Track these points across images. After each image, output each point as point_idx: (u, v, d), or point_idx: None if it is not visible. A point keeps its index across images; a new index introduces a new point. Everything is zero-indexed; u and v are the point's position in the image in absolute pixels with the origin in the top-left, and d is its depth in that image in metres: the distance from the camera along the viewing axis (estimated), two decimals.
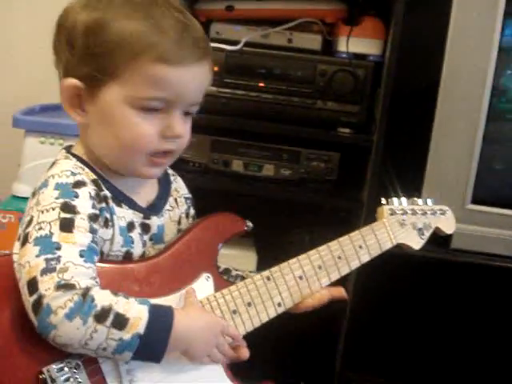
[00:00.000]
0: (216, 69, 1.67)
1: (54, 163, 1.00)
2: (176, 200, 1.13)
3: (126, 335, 0.88)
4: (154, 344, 0.91)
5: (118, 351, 0.89)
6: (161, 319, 0.93)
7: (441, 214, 1.27)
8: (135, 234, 1.02)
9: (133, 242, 1.01)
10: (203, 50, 0.99)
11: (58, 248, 0.89)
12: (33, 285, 0.87)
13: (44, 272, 0.87)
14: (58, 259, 0.88)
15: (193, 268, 1.05)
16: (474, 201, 1.63)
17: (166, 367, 0.97)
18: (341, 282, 1.82)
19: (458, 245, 1.65)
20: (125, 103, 0.96)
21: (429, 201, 1.27)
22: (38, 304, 0.86)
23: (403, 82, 1.65)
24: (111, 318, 0.88)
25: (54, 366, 0.90)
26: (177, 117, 0.99)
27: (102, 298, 0.89)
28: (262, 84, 1.69)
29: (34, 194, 0.96)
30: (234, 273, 1.19)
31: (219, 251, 1.10)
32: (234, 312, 1.06)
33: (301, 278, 1.12)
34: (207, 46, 1.01)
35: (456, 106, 1.57)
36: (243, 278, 1.17)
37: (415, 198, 1.25)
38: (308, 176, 1.74)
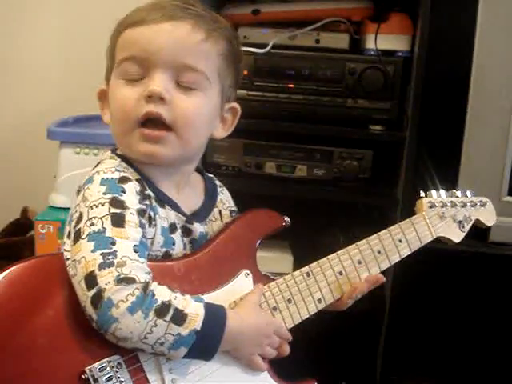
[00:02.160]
0: (245, 72, 1.69)
1: (98, 163, 1.02)
2: (220, 212, 1.13)
3: (185, 331, 0.90)
4: (208, 341, 0.93)
5: (174, 346, 0.90)
6: (215, 317, 0.94)
7: (481, 205, 1.25)
8: (177, 235, 1.03)
9: (174, 244, 1.02)
10: (173, 13, 0.98)
11: (113, 243, 0.90)
12: (91, 279, 0.88)
13: (102, 266, 0.88)
14: (114, 254, 0.89)
15: (232, 265, 1.05)
16: (511, 193, 1.61)
17: (207, 366, 0.97)
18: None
19: (496, 238, 1.64)
20: (114, 78, 1.00)
21: (468, 193, 1.25)
22: (98, 298, 0.87)
23: (433, 76, 1.64)
24: (171, 313, 0.89)
25: (96, 366, 0.91)
26: (154, 76, 0.97)
27: (162, 293, 0.90)
28: (291, 85, 1.70)
29: (78, 191, 0.97)
30: (271, 278, 1.18)
31: (258, 247, 1.09)
32: (275, 309, 1.06)
33: (341, 273, 1.12)
34: (184, 11, 0.99)
35: (488, 97, 1.56)
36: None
37: (454, 190, 1.24)
38: (341, 175, 1.74)
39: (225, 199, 1.16)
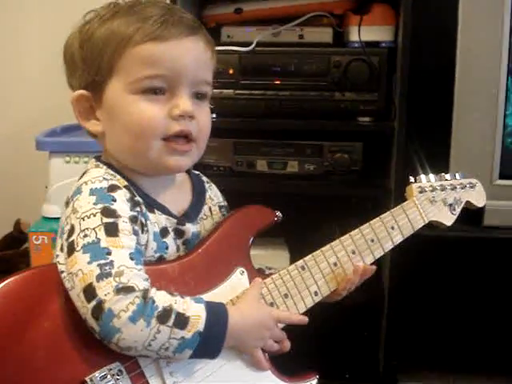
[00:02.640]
0: (231, 71, 1.69)
1: (84, 172, 1.01)
2: (210, 209, 1.13)
3: (188, 334, 0.90)
4: (212, 340, 0.93)
5: (179, 350, 0.90)
6: (217, 316, 0.94)
7: (470, 187, 1.25)
8: (169, 239, 1.03)
9: (167, 248, 1.02)
10: (190, 27, 0.99)
11: (109, 253, 0.90)
12: (90, 291, 0.87)
13: (100, 277, 0.88)
14: (111, 264, 0.89)
15: (226, 263, 1.05)
16: (502, 176, 1.62)
17: (208, 366, 0.98)
18: (376, 273, 1.83)
19: (490, 222, 1.64)
20: (126, 92, 0.97)
21: (457, 175, 1.25)
22: (98, 309, 0.87)
23: (418, 65, 1.64)
24: (173, 317, 0.89)
25: (97, 375, 0.90)
26: (182, 95, 0.98)
27: (162, 298, 0.90)
28: (277, 82, 1.70)
29: (67, 203, 0.97)
30: (267, 272, 1.18)
31: (251, 244, 1.09)
32: (272, 305, 1.06)
33: (335, 264, 1.12)
34: (196, 24, 1.01)
35: (474, 82, 1.56)
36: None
37: (443, 174, 1.24)
38: (333, 169, 1.74)
39: (213, 195, 1.16)
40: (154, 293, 0.90)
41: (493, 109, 1.57)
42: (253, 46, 1.70)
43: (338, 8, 1.76)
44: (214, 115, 1.71)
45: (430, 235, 1.68)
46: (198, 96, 1.01)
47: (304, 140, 1.75)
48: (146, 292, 0.89)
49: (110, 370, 0.91)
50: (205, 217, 1.11)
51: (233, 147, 1.75)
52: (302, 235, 1.83)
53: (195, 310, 0.92)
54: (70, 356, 0.91)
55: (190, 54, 0.99)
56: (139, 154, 0.99)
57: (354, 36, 1.69)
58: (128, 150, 1.00)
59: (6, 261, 2.18)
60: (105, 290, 0.87)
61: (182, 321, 0.90)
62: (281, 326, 1.06)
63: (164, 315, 0.89)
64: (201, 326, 0.91)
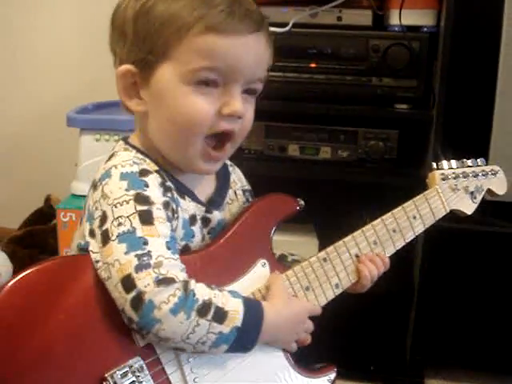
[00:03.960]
0: None
1: (112, 154, 0.98)
2: (235, 193, 1.10)
3: (226, 328, 0.89)
4: (247, 336, 0.92)
5: (216, 344, 0.89)
6: (254, 312, 0.93)
7: (492, 174, 1.21)
8: (196, 227, 1.00)
9: (193, 236, 0.99)
10: (257, 22, 0.95)
11: (146, 243, 0.87)
12: (129, 282, 0.86)
13: (139, 268, 0.86)
14: (149, 254, 0.87)
15: (248, 255, 1.02)
16: None
17: (227, 363, 0.96)
18: (408, 259, 1.80)
19: None
20: (178, 81, 0.92)
21: (479, 161, 1.21)
22: (138, 300, 0.85)
23: (460, 52, 1.60)
24: (212, 311, 0.88)
25: (117, 372, 0.89)
26: (235, 93, 0.94)
27: (202, 291, 0.89)
28: (313, 65, 1.66)
29: (95, 187, 0.94)
30: (289, 258, 1.16)
31: (273, 235, 1.06)
32: None
33: (357, 256, 1.09)
34: (262, 18, 0.97)
35: None
36: (299, 263, 1.14)
37: (465, 160, 1.20)
38: (366, 156, 1.71)
39: (237, 179, 1.13)
40: (195, 285, 0.89)
41: None
42: (289, 26, 1.66)
43: None
44: None
45: (462, 228, 1.65)
46: (248, 91, 0.98)
47: (338, 126, 1.71)
48: (186, 283, 0.87)
49: (131, 366, 0.90)
50: (230, 201, 1.08)
51: (265, 130, 1.72)
52: (332, 222, 1.80)
53: (233, 305, 0.90)
54: (91, 350, 0.89)
55: (252, 53, 0.95)
56: (178, 145, 0.96)
57: (394, 19, 1.64)
58: (168, 138, 0.97)
59: (35, 235, 2.20)
60: (144, 281, 0.85)
61: (220, 315, 0.88)
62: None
63: (204, 308, 0.87)
64: (239, 321, 0.90)
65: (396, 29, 1.65)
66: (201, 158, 0.97)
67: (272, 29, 1.63)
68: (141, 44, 0.94)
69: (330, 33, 1.67)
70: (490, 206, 1.53)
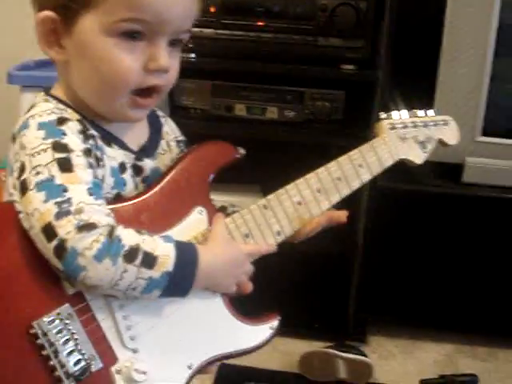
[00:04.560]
0: (213, 9, 1.63)
1: (32, 106, 0.94)
2: (168, 144, 1.08)
3: (156, 273, 0.87)
4: (181, 281, 0.91)
5: (147, 290, 0.88)
6: (187, 256, 0.91)
7: (443, 124, 1.21)
8: (127, 175, 0.98)
9: (125, 184, 0.97)
10: None
11: (65, 190, 0.85)
12: (49, 230, 0.84)
13: (59, 216, 0.84)
14: (69, 201, 0.85)
15: (184, 202, 1.00)
16: (485, 133, 1.60)
17: (162, 310, 0.95)
18: (351, 219, 1.82)
19: (469, 179, 1.63)
20: (102, 32, 0.89)
21: (430, 111, 1.21)
22: (61, 248, 0.83)
23: (407, 13, 1.60)
24: (140, 257, 0.86)
25: (44, 319, 0.87)
26: (161, 47, 0.92)
27: (129, 236, 0.87)
28: (260, 23, 1.64)
29: (14, 139, 0.91)
30: (229, 210, 1.14)
31: (211, 182, 1.04)
32: None
33: (299, 203, 1.06)
34: None
35: (462, 35, 1.53)
36: None
37: (415, 110, 1.18)
38: (313, 116, 1.71)
39: (170, 130, 1.10)
40: (121, 230, 0.87)
41: (480, 63, 1.54)
42: None
43: None
44: (193, 55, 1.65)
45: (407, 188, 1.68)
46: (174, 42, 0.95)
47: (285, 85, 1.70)
48: (111, 229, 0.86)
49: (59, 314, 0.88)
50: (163, 152, 1.06)
51: (211, 89, 1.70)
52: (278, 183, 1.80)
53: (164, 250, 0.89)
54: (18, 300, 0.87)
55: (180, 5, 0.92)
56: (103, 99, 0.94)
57: None
58: (92, 89, 0.94)
59: None
60: (65, 228, 0.83)
61: (149, 260, 0.87)
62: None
63: (131, 254, 0.86)
64: (169, 266, 0.88)
65: None
66: (128, 108, 0.94)
67: None
68: None
69: None
70: (435, 167, 1.57)
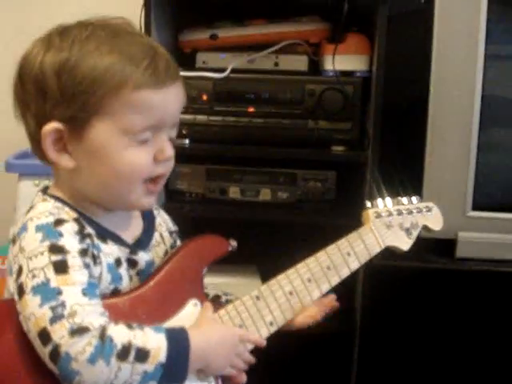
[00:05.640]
0: (205, 97, 1.68)
1: (31, 207, 0.97)
2: (162, 235, 1.11)
3: (150, 367, 0.88)
4: (176, 368, 0.92)
5: (143, 383, 0.89)
6: (179, 343, 0.92)
7: (427, 211, 1.24)
8: (123, 270, 1.00)
9: (121, 279, 0.99)
10: (176, 70, 1.00)
11: (60, 293, 0.87)
12: (45, 335, 0.85)
13: (53, 320, 0.85)
14: (63, 305, 0.86)
15: (179, 296, 1.03)
16: (475, 207, 1.62)
17: None
18: (348, 298, 1.82)
19: (462, 253, 1.64)
20: (118, 136, 0.94)
21: (414, 199, 1.24)
22: (55, 354, 0.85)
23: (393, 95, 1.64)
24: (133, 353, 0.87)
25: None
26: (165, 140, 0.98)
27: (120, 334, 0.88)
28: (251, 109, 1.69)
29: (14, 241, 0.94)
30: (223, 298, 1.17)
31: (204, 275, 1.08)
32: None
33: (291, 293, 1.10)
34: (176, 66, 1.01)
35: (448, 113, 1.57)
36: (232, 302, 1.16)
37: (400, 198, 1.23)
38: (306, 197, 1.73)
39: (162, 221, 1.14)
40: (112, 329, 0.88)
41: (466, 139, 1.58)
42: (227, 72, 1.69)
43: (314, 36, 1.77)
44: (187, 141, 1.70)
45: (402, 266, 1.69)
46: (170, 135, 1.01)
47: (277, 168, 1.74)
48: (102, 330, 0.87)
49: None
50: (156, 243, 1.09)
51: (205, 173, 1.74)
52: (274, 263, 1.81)
53: (155, 342, 0.90)
54: None
55: (177, 100, 0.99)
56: (120, 194, 0.98)
57: (328, 65, 1.69)
58: (107, 189, 0.97)
59: None
60: (59, 333, 0.85)
61: (142, 355, 0.88)
62: (250, 347, 1.04)
63: (123, 352, 0.87)
64: (162, 357, 0.89)
65: (330, 74, 1.69)
66: (143, 197, 0.99)
67: (211, 74, 1.69)
68: (68, 101, 0.93)
69: (267, 78, 1.70)
70: (428, 244, 1.59)
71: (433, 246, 1.64)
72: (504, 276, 1.66)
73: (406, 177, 1.66)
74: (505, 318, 1.81)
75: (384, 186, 1.71)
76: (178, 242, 1.15)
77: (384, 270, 1.66)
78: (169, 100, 0.97)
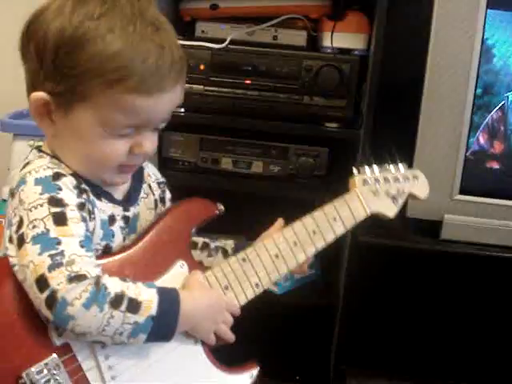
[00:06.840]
0: (202, 67, 1.68)
1: (27, 163, 0.99)
2: (150, 186, 1.14)
3: (141, 318, 0.92)
4: (165, 324, 0.95)
5: (133, 334, 0.92)
6: (169, 300, 0.96)
7: (413, 179, 1.26)
8: (116, 227, 1.03)
9: (113, 236, 1.02)
10: (178, 72, 0.97)
11: (59, 243, 0.90)
12: (42, 282, 0.88)
13: (52, 268, 0.88)
14: (61, 253, 0.89)
15: (166, 256, 1.05)
16: (462, 191, 1.64)
17: (145, 360, 0.99)
18: (334, 273, 1.85)
19: (447, 235, 1.66)
20: (98, 126, 0.95)
21: (401, 167, 1.25)
22: (52, 299, 0.87)
23: (389, 76, 1.65)
24: (125, 303, 0.91)
25: (32, 370, 0.91)
26: (147, 136, 0.99)
27: (114, 284, 0.92)
28: (248, 81, 1.70)
29: (12, 194, 0.96)
30: (212, 245, 1.20)
31: (192, 237, 1.10)
32: None
33: (277, 256, 1.12)
34: (182, 65, 0.99)
35: (441, 97, 1.58)
36: (223, 250, 1.20)
37: (387, 165, 1.24)
38: (297, 172, 1.75)
39: (151, 172, 1.16)
40: (106, 279, 0.91)
41: (458, 123, 1.59)
42: (226, 43, 1.69)
43: (314, 12, 1.77)
44: (182, 110, 1.71)
45: (387, 244, 1.71)
46: (155, 129, 1.02)
47: (270, 141, 1.75)
48: (98, 278, 0.90)
49: (47, 364, 0.92)
50: (145, 195, 1.12)
51: (199, 143, 1.75)
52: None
53: (147, 295, 0.93)
54: (8, 351, 0.91)
55: (171, 104, 0.99)
56: (91, 171, 1.00)
57: (327, 41, 1.70)
58: (81, 163, 0.99)
59: None
60: (57, 279, 0.88)
61: (134, 306, 0.91)
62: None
63: (116, 301, 0.90)
64: (153, 310, 0.93)
65: (328, 50, 1.70)
66: (115, 175, 1.01)
67: (210, 45, 1.69)
68: (59, 79, 0.93)
69: (265, 51, 1.70)
70: (414, 224, 1.61)
71: (419, 226, 1.66)
72: (486, 259, 1.69)
73: (397, 157, 1.68)
74: (484, 299, 1.85)
75: (375, 165, 1.73)
76: (167, 193, 1.18)
77: (369, 247, 1.69)
78: (160, 105, 0.96)
